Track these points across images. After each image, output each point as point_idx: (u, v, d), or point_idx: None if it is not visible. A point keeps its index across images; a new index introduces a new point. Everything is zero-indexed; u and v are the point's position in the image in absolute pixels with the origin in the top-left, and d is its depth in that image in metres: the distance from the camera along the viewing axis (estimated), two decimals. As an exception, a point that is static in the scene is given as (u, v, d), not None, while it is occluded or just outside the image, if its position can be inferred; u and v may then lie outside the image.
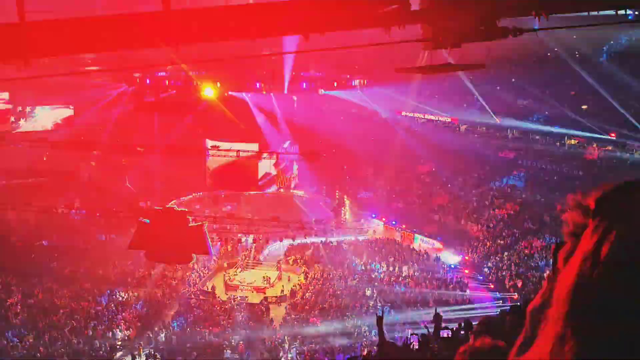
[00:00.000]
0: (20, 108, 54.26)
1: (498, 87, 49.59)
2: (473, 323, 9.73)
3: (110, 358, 30.45)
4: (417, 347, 9.98)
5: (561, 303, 0.74)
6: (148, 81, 50.46)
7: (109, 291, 36.43)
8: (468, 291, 35.65)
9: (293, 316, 34.14)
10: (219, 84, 49.10)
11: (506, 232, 40.54)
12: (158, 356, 30.37)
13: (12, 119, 53.73)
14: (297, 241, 41.34)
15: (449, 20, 9.24)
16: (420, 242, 41.76)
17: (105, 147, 44.27)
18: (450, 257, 39.52)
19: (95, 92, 54.41)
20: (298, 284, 37.84)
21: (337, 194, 48.64)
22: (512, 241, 39.39)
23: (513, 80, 49.95)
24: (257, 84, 48.40)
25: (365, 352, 18.12)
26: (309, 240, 41.03)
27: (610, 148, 42.31)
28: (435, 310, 10.57)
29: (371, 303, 34.65)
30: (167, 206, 40.58)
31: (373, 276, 37.95)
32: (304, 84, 49.23)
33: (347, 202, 47.51)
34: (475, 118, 49.93)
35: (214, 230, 39.87)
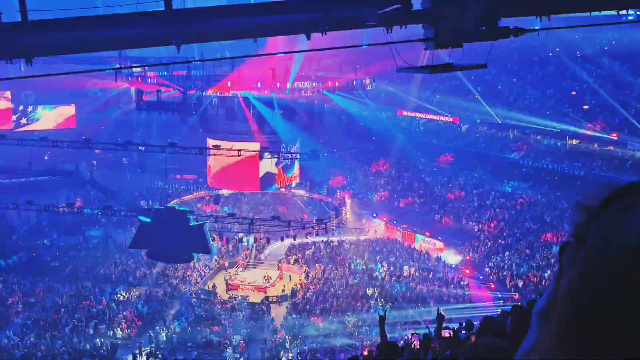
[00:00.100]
0: (22, 107, 54.36)
1: (499, 87, 49.64)
2: (474, 323, 9.74)
3: (111, 357, 30.49)
4: (418, 346, 9.98)
5: (564, 303, 0.74)
6: (149, 80, 50.43)
7: (110, 290, 36.49)
8: (469, 291, 35.66)
9: (294, 316, 34.17)
10: (219, 82, 49.13)
11: (507, 232, 40.56)
12: (159, 355, 30.42)
13: (14, 117, 53.85)
14: (298, 240, 41.39)
15: (451, 21, 9.26)
16: (422, 242, 41.76)
17: (107, 146, 44.26)
18: (451, 257, 39.52)
19: (96, 91, 54.57)
20: (299, 284, 37.86)
21: (338, 193, 48.66)
22: (513, 241, 39.42)
23: (514, 80, 49.98)
24: (259, 83, 48.37)
25: (366, 352, 18.12)
26: (310, 239, 41.06)
27: (612, 148, 42.28)
28: (438, 310, 10.56)
29: (372, 303, 34.67)
30: (169, 205, 40.67)
31: (374, 276, 37.97)
32: (306, 83, 49.20)
33: (348, 201, 47.53)
34: (476, 117, 49.93)
35: (215, 230, 39.94)
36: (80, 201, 45.31)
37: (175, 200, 46.76)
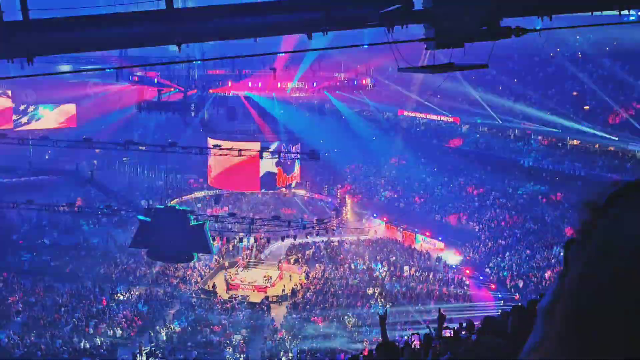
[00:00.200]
0: (22, 106, 54.37)
1: (500, 87, 49.60)
2: (475, 323, 9.73)
3: (111, 356, 30.49)
4: (418, 346, 9.97)
5: (565, 303, 0.74)
6: (150, 79, 50.46)
7: (110, 289, 36.49)
8: (469, 291, 35.64)
9: (294, 315, 34.16)
10: (219, 83, 49.16)
11: (508, 232, 40.55)
12: (159, 354, 30.40)
13: (15, 116, 53.85)
14: (299, 240, 41.38)
15: (452, 20, 9.25)
16: (422, 242, 41.75)
17: (107, 146, 44.24)
18: (452, 257, 39.50)
19: (97, 90, 54.58)
20: (299, 284, 37.86)
21: (338, 193, 48.65)
22: (514, 241, 39.40)
23: (515, 80, 49.93)
24: (259, 83, 48.37)
25: (366, 352, 18.10)
26: (310, 239, 41.06)
27: (612, 148, 42.28)
28: (439, 310, 10.54)
29: (372, 302, 34.66)
30: (169, 205, 40.67)
31: (374, 276, 37.96)
32: (307, 84, 49.19)
33: (348, 201, 47.53)
34: (477, 118, 49.93)
35: (216, 229, 39.93)
36: (81, 200, 45.31)
37: (175, 199, 46.78)
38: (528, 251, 37.80)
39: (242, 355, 30.62)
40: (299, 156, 47.82)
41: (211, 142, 45.75)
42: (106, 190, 48.07)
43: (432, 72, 10.17)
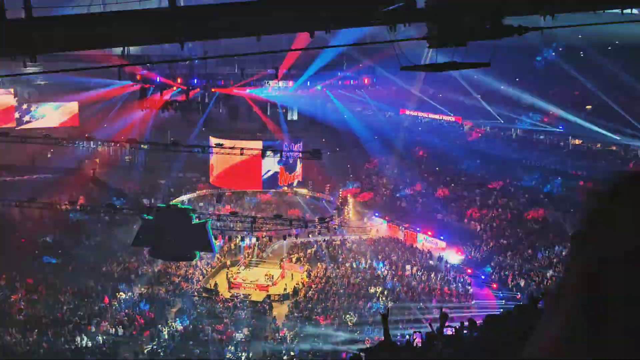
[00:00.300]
0: (25, 105, 54.41)
1: (502, 87, 49.55)
2: (477, 322, 9.73)
3: (113, 355, 30.51)
4: (420, 345, 9.97)
5: (571, 293, 0.74)
6: (152, 78, 50.43)
7: (112, 288, 36.50)
8: (471, 290, 35.61)
9: (296, 314, 34.16)
10: (223, 81, 49.13)
11: (509, 232, 40.51)
12: (161, 353, 30.43)
13: (17, 115, 53.88)
14: (300, 239, 41.38)
15: (454, 19, 9.24)
16: (424, 241, 41.72)
17: (109, 144, 44.24)
18: (453, 256, 39.47)
19: (100, 89, 54.53)
20: (301, 282, 37.86)
21: (340, 192, 48.64)
22: (516, 240, 39.37)
23: (517, 79, 49.90)
24: (263, 82, 48.37)
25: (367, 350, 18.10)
26: (312, 238, 41.06)
27: (614, 148, 42.25)
28: (441, 309, 10.54)
29: (374, 301, 34.64)
30: (171, 203, 40.70)
31: (376, 274, 37.95)
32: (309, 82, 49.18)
33: (350, 200, 47.51)
34: (479, 117, 49.92)
35: (217, 228, 39.93)
36: (83, 199, 45.33)
37: (177, 198, 46.82)
38: (530, 250, 37.78)
39: (243, 354, 30.62)
40: (300, 155, 47.79)
41: (213, 140, 45.77)
42: (108, 189, 48.10)
43: (435, 70, 10.16)
